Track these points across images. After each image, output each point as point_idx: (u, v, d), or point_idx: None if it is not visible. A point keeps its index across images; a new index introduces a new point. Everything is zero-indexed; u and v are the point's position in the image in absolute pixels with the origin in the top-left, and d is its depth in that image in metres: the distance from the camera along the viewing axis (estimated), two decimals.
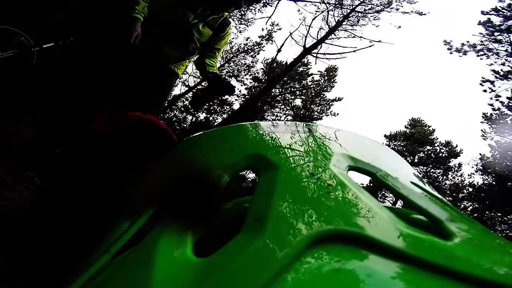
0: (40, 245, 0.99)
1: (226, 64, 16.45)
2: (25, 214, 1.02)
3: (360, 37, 11.72)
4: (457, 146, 21.23)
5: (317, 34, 11.97)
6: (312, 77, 18.69)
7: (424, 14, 12.22)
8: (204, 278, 0.27)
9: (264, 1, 12.37)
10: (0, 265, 0.97)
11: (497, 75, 13.35)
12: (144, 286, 0.28)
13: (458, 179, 20.60)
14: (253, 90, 18.15)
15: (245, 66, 17.27)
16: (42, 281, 0.95)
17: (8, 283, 0.95)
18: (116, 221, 0.48)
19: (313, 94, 18.99)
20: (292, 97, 18.43)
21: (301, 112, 18.90)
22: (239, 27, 14.28)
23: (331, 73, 19.09)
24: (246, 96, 18.37)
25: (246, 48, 16.87)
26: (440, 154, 21.38)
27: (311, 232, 0.29)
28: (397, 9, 12.11)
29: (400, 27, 12.81)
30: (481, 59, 13.65)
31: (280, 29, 15.85)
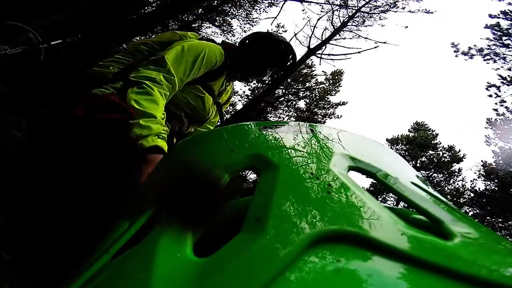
0: (40, 245, 0.99)
1: None
2: (25, 214, 1.02)
3: (366, 38, 11.72)
4: (459, 151, 21.19)
5: (322, 34, 11.98)
6: (316, 79, 18.69)
7: (432, 12, 12.15)
8: (204, 278, 0.27)
9: (270, 1, 12.38)
10: (3, 263, 0.98)
11: (504, 80, 13.31)
12: (144, 286, 0.28)
13: (459, 184, 20.60)
14: (256, 91, 18.18)
15: None
16: (42, 281, 0.95)
17: (9, 282, 0.96)
18: (116, 221, 0.48)
19: (318, 97, 18.97)
20: (296, 99, 18.44)
21: (305, 114, 18.90)
22: (244, 27, 14.30)
23: (336, 77, 19.07)
24: (249, 97, 18.41)
25: None
26: (443, 159, 21.34)
27: (311, 232, 0.29)
28: (403, 8, 12.06)
29: (407, 27, 12.76)
30: (487, 63, 13.61)
31: (285, 31, 15.88)
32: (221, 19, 13.78)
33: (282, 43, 1.68)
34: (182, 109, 1.52)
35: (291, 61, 1.75)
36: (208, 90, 1.57)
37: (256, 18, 13.83)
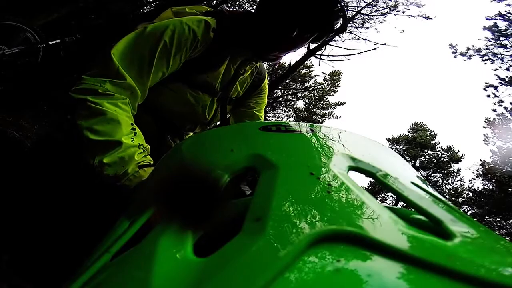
0: (40, 245, 0.99)
1: None
2: (25, 214, 1.02)
3: (365, 39, 11.69)
4: (458, 151, 21.33)
5: None
6: (315, 80, 18.73)
7: (431, 18, 12.16)
8: (204, 278, 0.27)
9: None
10: (2, 263, 0.97)
11: (501, 81, 13.36)
12: (144, 286, 0.28)
13: (458, 184, 20.71)
14: None
15: None
16: (41, 282, 0.95)
17: (8, 282, 0.95)
18: (116, 221, 0.48)
19: (316, 97, 19.02)
20: (294, 99, 18.47)
21: (304, 114, 18.95)
22: None
23: (334, 77, 19.16)
24: None
25: None
26: (442, 159, 21.45)
27: (311, 232, 0.29)
28: (403, 12, 12.05)
29: (403, 31, 12.79)
30: (485, 64, 13.67)
31: None
32: None
33: None
34: (165, 114, 1.15)
35: (339, 21, 1.06)
36: (199, 87, 1.10)
37: None
